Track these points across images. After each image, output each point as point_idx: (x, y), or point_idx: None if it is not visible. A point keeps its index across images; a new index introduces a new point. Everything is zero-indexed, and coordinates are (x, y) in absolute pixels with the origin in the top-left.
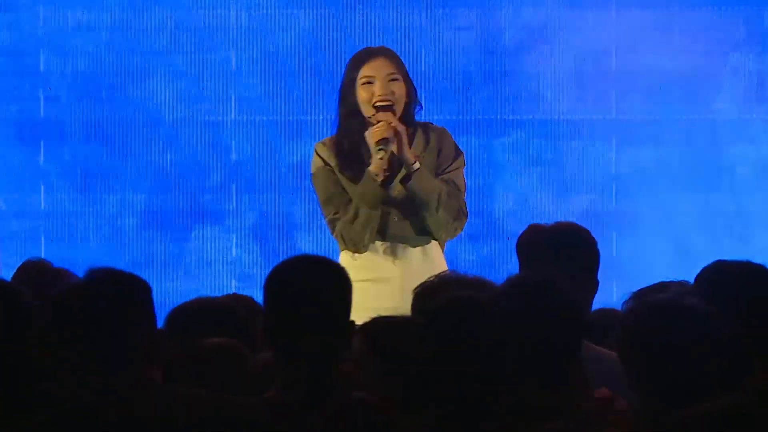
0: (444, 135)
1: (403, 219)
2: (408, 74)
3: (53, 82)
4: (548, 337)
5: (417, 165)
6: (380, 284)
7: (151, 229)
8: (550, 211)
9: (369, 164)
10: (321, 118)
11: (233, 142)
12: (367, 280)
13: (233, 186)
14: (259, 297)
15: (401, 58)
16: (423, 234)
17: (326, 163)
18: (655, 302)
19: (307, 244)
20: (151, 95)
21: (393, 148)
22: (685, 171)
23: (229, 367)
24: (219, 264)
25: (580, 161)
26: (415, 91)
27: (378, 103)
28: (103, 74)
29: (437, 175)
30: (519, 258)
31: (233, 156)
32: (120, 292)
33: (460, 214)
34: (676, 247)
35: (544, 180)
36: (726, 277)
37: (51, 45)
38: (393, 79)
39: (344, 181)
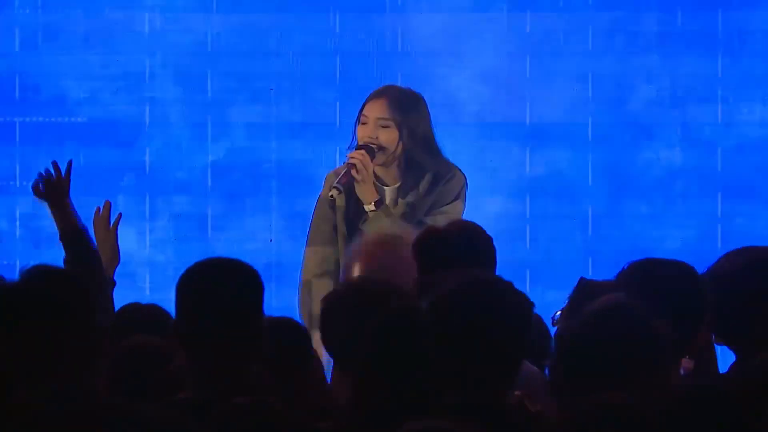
0: (450, 183)
1: None
2: (415, 119)
3: None
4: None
5: (372, 207)
6: None
7: None
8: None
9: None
10: (234, 120)
11: (147, 144)
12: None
13: (147, 187)
14: (172, 299)
15: (411, 96)
16: None
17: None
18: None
19: (221, 246)
20: (65, 96)
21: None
22: (597, 174)
23: (149, 368)
24: (132, 265)
25: (494, 163)
26: (421, 135)
27: (360, 145)
28: (16, 74)
29: (426, 214)
30: (418, 262)
31: (147, 158)
32: (54, 291)
33: None
34: (589, 250)
35: None
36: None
37: None
38: (383, 126)
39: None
